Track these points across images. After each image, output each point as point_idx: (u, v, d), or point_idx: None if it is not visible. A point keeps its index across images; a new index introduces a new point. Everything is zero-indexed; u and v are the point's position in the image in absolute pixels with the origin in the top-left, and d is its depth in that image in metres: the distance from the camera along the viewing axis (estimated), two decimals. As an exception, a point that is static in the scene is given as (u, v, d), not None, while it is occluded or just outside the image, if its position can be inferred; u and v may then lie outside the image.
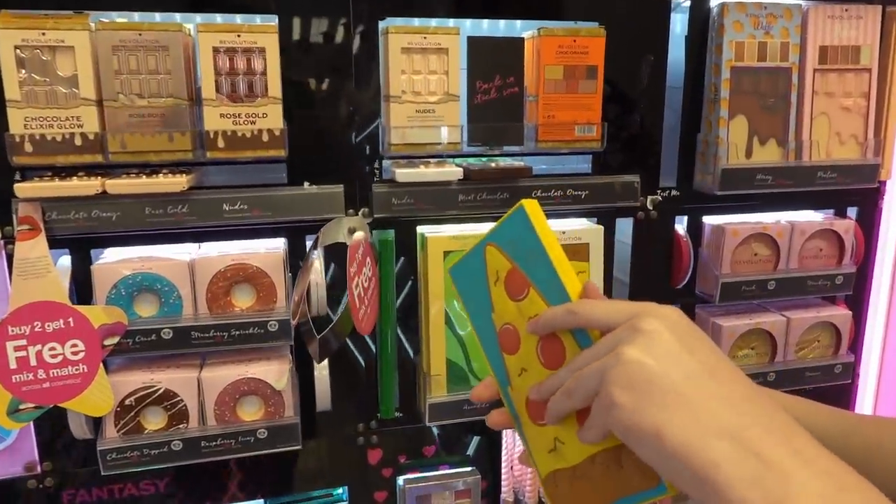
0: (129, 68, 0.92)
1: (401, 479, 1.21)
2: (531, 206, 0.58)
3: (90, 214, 0.94)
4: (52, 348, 0.94)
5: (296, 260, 1.05)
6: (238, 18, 1.03)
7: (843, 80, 1.21)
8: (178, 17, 1.03)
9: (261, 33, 0.95)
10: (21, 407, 0.95)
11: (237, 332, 1.01)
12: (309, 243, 1.05)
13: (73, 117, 0.91)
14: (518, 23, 1.19)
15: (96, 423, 1.01)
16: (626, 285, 1.24)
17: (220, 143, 0.96)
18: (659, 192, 1.21)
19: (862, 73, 1.22)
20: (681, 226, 1.27)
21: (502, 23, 1.22)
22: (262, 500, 1.17)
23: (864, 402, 1.63)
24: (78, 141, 0.91)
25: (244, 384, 1.03)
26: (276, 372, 1.04)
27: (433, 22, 1.08)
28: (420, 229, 1.11)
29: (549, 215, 0.59)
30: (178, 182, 0.94)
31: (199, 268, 1.00)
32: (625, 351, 0.47)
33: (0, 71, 0.89)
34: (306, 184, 1.03)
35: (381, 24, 1.03)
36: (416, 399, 1.18)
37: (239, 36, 0.94)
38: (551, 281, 0.56)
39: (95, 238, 0.98)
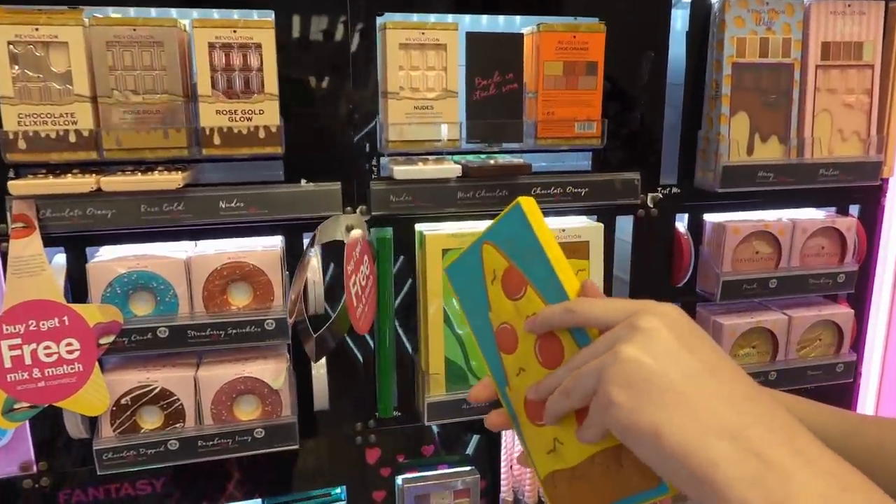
0: (124, 64, 0.91)
1: (399, 479, 1.20)
2: (528, 204, 0.57)
3: (85, 212, 0.93)
4: (47, 347, 0.94)
5: (293, 258, 1.05)
6: (235, 14, 1.02)
7: (845, 76, 1.20)
8: (173, 12, 1.02)
9: (257, 29, 0.94)
10: (16, 406, 0.94)
11: (234, 331, 1.00)
12: (306, 241, 1.04)
13: (67, 114, 0.90)
14: (517, 18, 1.19)
15: (92, 423, 1.01)
16: (627, 284, 1.23)
17: (216, 140, 0.95)
18: (659, 189, 1.21)
19: (864, 69, 1.21)
20: (681, 224, 1.27)
21: (501, 18, 1.21)
22: (259, 500, 1.16)
23: (866, 402, 1.62)
24: (72, 138, 0.91)
25: (241, 383, 1.02)
26: (273, 371, 1.03)
27: (432, 18, 1.07)
28: (418, 227, 1.10)
29: (548, 213, 0.58)
30: (173, 179, 0.93)
31: (196, 266, 0.99)
32: (623, 349, 0.47)
33: (-7, 67, 0.88)
34: (303, 181, 1.02)
35: (379, 20, 1.03)
36: (415, 398, 1.17)
37: (235, 31, 0.94)
38: (549, 279, 0.55)
39: (90, 236, 0.98)
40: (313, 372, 1.12)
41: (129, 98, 0.92)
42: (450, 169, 1.05)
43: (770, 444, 0.42)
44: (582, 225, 1.15)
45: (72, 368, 0.95)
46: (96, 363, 0.96)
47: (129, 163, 0.98)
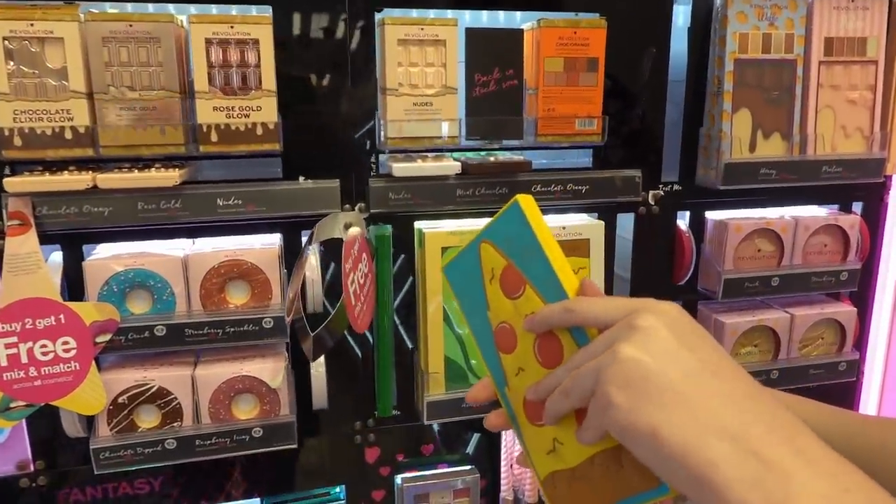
0: (120, 60, 0.91)
1: (399, 478, 1.20)
2: (526, 202, 0.56)
3: (81, 209, 0.92)
4: (44, 346, 0.93)
5: (291, 256, 1.04)
6: (233, 10, 1.01)
7: (848, 72, 1.19)
8: (170, 7, 1.01)
9: (254, 24, 0.93)
10: (12, 405, 0.94)
11: (232, 330, 0.99)
12: (304, 239, 1.03)
13: (62, 110, 0.90)
14: (517, 14, 1.18)
15: (89, 422, 1.00)
16: (628, 282, 1.23)
17: (214, 137, 0.94)
18: (661, 186, 1.20)
19: (868, 65, 1.20)
20: (683, 221, 1.26)
21: (501, 14, 1.20)
22: (258, 499, 1.15)
23: (869, 400, 1.61)
24: (68, 135, 0.90)
25: (239, 382, 1.02)
26: (271, 370, 1.03)
27: (431, 13, 1.06)
28: (418, 225, 1.10)
29: (548, 210, 0.57)
30: (170, 176, 0.92)
31: (193, 264, 0.99)
32: (621, 348, 0.46)
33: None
34: (301, 178, 1.02)
35: (378, 16, 1.02)
36: (415, 397, 1.16)
37: (232, 27, 0.93)
38: (548, 278, 0.55)
39: (87, 233, 0.97)
40: (312, 371, 1.11)
41: (125, 94, 0.92)
42: (449, 166, 1.05)
43: (770, 444, 0.41)
44: (582, 223, 1.14)
45: (68, 367, 0.94)
46: (93, 362, 0.96)
47: (125, 160, 0.98)
